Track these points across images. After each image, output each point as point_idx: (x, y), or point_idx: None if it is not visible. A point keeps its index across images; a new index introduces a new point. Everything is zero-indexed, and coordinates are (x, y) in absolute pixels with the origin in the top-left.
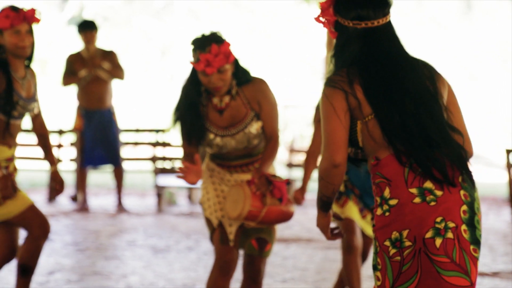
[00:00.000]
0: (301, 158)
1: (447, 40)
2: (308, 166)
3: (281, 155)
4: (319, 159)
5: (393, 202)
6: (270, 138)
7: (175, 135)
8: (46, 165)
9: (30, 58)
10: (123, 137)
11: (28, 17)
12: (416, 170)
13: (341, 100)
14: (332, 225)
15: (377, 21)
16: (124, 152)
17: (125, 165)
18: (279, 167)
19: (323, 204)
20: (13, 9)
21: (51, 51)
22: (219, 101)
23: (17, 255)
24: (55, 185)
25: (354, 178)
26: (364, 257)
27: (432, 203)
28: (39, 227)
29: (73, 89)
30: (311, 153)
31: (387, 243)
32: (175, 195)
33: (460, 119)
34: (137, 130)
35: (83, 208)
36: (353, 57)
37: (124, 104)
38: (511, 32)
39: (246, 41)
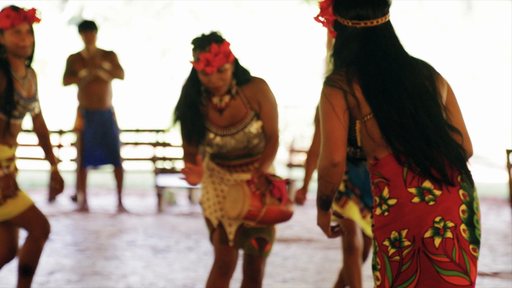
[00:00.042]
0: (301, 158)
1: (448, 41)
2: (309, 166)
3: (282, 155)
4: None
5: (392, 202)
6: (270, 138)
7: (175, 135)
8: (46, 165)
9: (30, 58)
10: (123, 137)
11: (28, 17)
12: (415, 169)
13: (340, 99)
14: (333, 223)
15: (376, 21)
16: (124, 152)
17: (125, 165)
18: (279, 167)
19: (323, 203)
20: (14, 8)
21: (51, 51)
22: (219, 101)
23: (17, 255)
24: (55, 185)
25: (354, 178)
26: (364, 257)
27: (431, 203)
28: (39, 228)
29: (73, 89)
30: (312, 153)
31: (386, 242)
32: (175, 195)
33: (460, 119)
34: (137, 130)
35: (83, 208)
36: (352, 56)
37: (124, 104)
38: None
39: (246, 42)
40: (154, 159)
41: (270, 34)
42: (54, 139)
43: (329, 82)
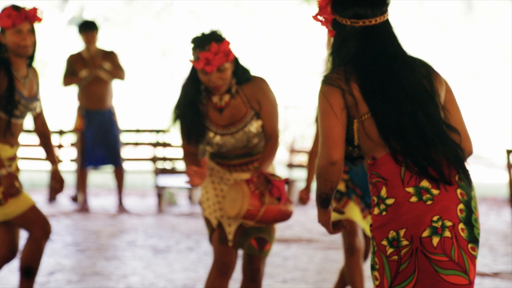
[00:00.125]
0: (301, 158)
1: (448, 41)
2: (311, 166)
3: (282, 156)
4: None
5: (389, 201)
6: (269, 137)
7: (175, 136)
8: (46, 165)
9: (32, 57)
10: (123, 138)
11: (29, 16)
12: (413, 169)
13: (338, 98)
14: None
15: (375, 20)
16: (124, 152)
17: (125, 165)
18: (279, 168)
19: (323, 201)
20: (15, 8)
21: (52, 52)
22: (218, 100)
23: (18, 256)
24: (55, 184)
25: (355, 177)
26: (366, 258)
27: (429, 202)
28: (40, 228)
29: (74, 89)
30: (314, 153)
31: (384, 242)
32: (175, 196)
33: (459, 117)
34: (138, 131)
35: (84, 208)
36: (350, 55)
37: (125, 104)
38: None
39: (246, 42)
40: (154, 159)
41: (270, 34)
42: (54, 139)
43: (327, 81)
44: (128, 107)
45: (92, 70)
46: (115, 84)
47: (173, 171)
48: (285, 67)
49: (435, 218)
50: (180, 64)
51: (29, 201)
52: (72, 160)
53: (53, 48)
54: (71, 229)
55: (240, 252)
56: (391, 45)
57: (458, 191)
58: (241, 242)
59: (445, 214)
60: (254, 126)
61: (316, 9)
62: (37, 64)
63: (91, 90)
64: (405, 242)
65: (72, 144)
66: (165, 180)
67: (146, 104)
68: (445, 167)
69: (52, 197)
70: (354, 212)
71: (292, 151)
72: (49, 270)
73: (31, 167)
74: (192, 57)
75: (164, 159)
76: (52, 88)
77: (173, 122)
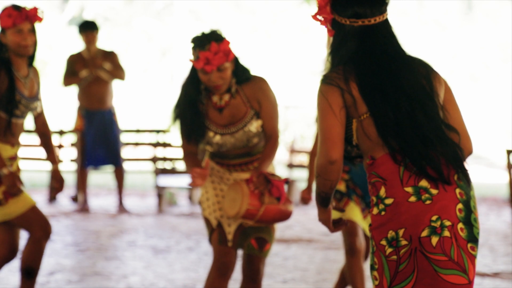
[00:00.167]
0: (301, 158)
1: (448, 41)
2: (312, 165)
3: (282, 156)
4: None
5: (388, 201)
6: (269, 137)
7: (175, 136)
8: (46, 165)
9: (32, 57)
10: (123, 138)
11: (30, 16)
12: (411, 169)
13: (337, 97)
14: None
15: (374, 19)
16: (124, 152)
17: (125, 165)
18: (279, 168)
19: (322, 200)
20: (16, 8)
21: (52, 52)
22: (218, 99)
23: (18, 256)
24: (55, 184)
25: (356, 177)
26: (366, 258)
27: (428, 202)
28: (40, 229)
29: (74, 89)
30: (315, 153)
31: (384, 242)
32: (175, 196)
33: (458, 117)
34: (138, 131)
35: (84, 208)
36: (349, 54)
37: (125, 104)
38: None
39: (247, 42)
40: (154, 160)
41: (270, 34)
42: (54, 140)
43: (326, 80)
44: (128, 107)
45: (92, 70)
46: (115, 84)
47: (173, 171)
48: (285, 67)
49: (434, 218)
50: (180, 64)
51: (30, 202)
52: (72, 160)
53: (53, 48)
54: (71, 229)
55: (240, 252)
56: (390, 44)
57: (457, 190)
58: (241, 242)
59: (444, 213)
60: (254, 126)
61: (316, 9)
62: (37, 64)
63: (91, 90)
64: (404, 242)
65: (72, 144)
66: (165, 180)
67: (146, 104)
68: (444, 167)
69: (52, 197)
70: (354, 212)
71: (292, 151)
72: (49, 270)
73: (31, 167)
74: (192, 57)
75: (164, 159)
76: (52, 88)
77: (173, 122)
